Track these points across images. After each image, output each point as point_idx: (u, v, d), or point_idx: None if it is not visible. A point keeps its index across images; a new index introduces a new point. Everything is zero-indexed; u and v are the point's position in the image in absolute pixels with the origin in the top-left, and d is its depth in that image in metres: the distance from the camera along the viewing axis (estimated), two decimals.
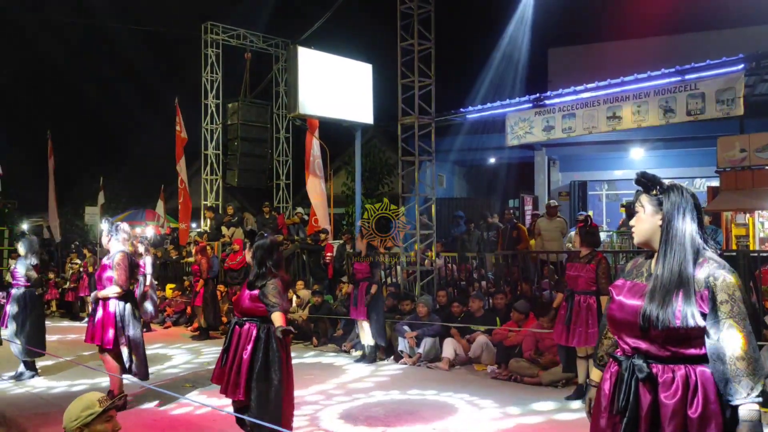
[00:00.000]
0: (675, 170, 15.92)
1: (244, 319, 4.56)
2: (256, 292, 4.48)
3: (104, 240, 6.37)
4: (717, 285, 2.29)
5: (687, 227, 2.40)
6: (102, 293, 6.13)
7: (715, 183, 11.77)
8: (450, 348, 8.31)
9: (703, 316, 2.29)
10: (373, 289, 8.55)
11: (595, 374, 2.77)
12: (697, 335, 2.30)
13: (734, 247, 9.92)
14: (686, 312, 2.29)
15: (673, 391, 2.30)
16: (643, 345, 2.39)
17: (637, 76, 9.71)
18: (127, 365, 6.18)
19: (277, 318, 4.31)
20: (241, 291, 4.69)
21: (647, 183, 2.51)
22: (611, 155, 16.25)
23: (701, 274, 2.34)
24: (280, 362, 4.44)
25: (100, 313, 6.13)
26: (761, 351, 4.58)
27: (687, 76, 9.29)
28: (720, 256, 2.49)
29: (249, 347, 4.44)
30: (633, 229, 2.54)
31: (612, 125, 10.14)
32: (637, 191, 2.55)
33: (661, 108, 9.54)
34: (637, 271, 2.58)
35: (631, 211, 2.68)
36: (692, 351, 2.32)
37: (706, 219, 9.55)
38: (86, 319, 13.63)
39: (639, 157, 15.65)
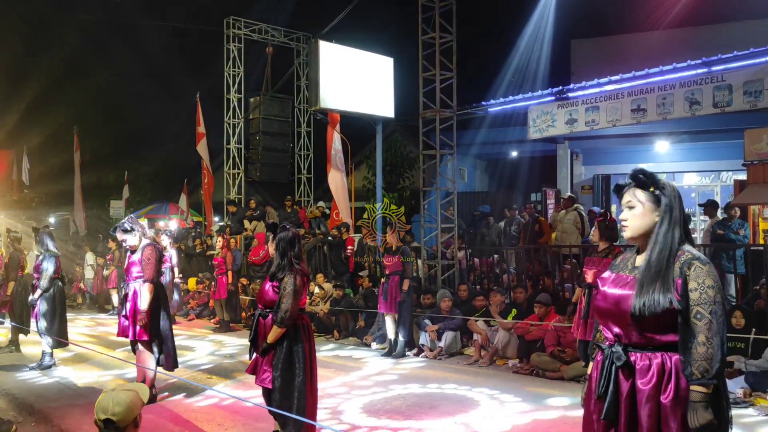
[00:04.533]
0: (701, 163, 15.64)
1: (267, 310, 4.61)
2: (277, 283, 4.52)
3: (129, 241, 6.27)
4: (689, 274, 2.45)
5: (677, 222, 2.56)
6: (143, 306, 6.04)
7: (742, 176, 11.55)
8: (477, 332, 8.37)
9: (677, 303, 2.43)
10: (405, 285, 8.53)
11: (591, 368, 2.87)
12: (672, 323, 2.44)
13: (761, 241, 9.75)
14: (663, 300, 2.43)
15: (649, 377, 2.45)
16: (623, 333, 2.54)
17: (662, 67, 9.57)
18: (156, 356, 6.26)
19: (273, 333, 4.41)
20: (263, 283, 4.74)
21: (646, 180, 2.60)
22: (636, 148, 16.00)
23: (677, 264, 2.49)
24: (304, 353, 4.48)
25: (129, 306, 6.17)
26: None
27: (713, 68, 9.14)
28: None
29: None
30: (625, 224, 2.62)
31: (636, 118, 10.01)
32: (626, 186, 2.64)
33: (686, 100, 9.40)
34: (623, 264, 2.73)
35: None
36: (668, 338, 2.47)
37: (733, 212, 9.40)
38: (112, 312, 13.95)
39: (664, 150, 15.40)
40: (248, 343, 4.79)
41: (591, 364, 2.89)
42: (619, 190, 2.67)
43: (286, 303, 4.38)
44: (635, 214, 2.59)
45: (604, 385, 2.53)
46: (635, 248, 2.72)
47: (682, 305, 2.42)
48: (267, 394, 4.61)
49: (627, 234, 2.63)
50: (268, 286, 4.63)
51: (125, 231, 6.24)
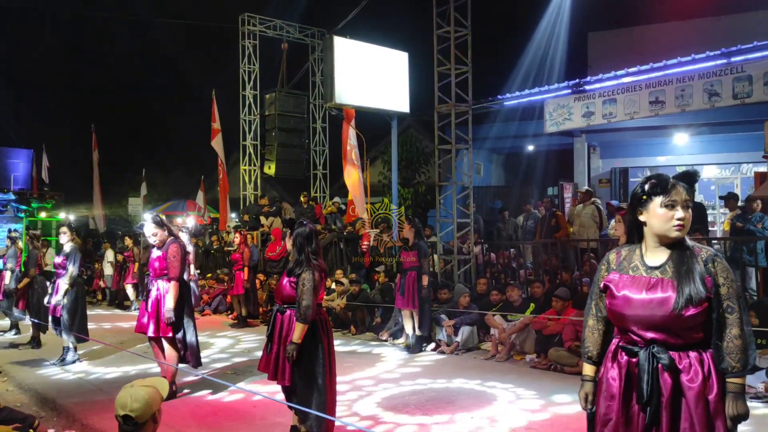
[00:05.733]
0: (721, 155, 15.46)
1: (285, 306, 4.62)
2: (295, 278, 4.54)
3: (152, 237, 6.26)
4: (716, 270, 2.50)
5: None
6: (168, 303, 6.04)
7: (763, 168, 11.42)
8: (494, 326, 8.32)
9: (708, 300, 2.46)
10: (425, 280, 8.50)
11: (588, 369, 2.84)
12: (706, 319, 2.47)
13: None
14: (701, 297, 2.45)
15: (693, 374, 2.46)
16: (658, 335, 2.51)
17: (681, 59, 9.46)
18: (181, 353, 6.30)
19: (298, 331, 4.38)
20: (280, 278, 4.75)
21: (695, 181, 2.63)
22: (654, 141, 15.85)
23: (700, 259, 2.53)
24: (322, 348, 4.50)
25: (152, 303, 6.18)
26: None
27: (733, 59, 9.01)
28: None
29: (292, 333, 4.50)
30: (683, 223, 2.54)
31: (654, 110, 9.91)
32: (679, 185, 2.56)
33: (705, 92, 9.28)
34: (626, 264, 2.68)
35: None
36: (699, 335, 2.49)
37: (754, 204, 9.27)
38: (132, 308, 14.09)
39: (683, 143, 15.23)
40: (264, 339, 4.80)
41: (586, 367, 2.85)
42: (665, 187, 2.56)
43: (306, 300, 4.39)
44: (691, 213, 2.57)
45: (648, 388, 2.49)
46: (633, 246, 2.70)
47: (715, 301, 2.47)
48: (287, 389, 4.63)
49: (682, 233, 2.55)
50: (285, 281, 4.64)
51: (157, 224, 6.25)
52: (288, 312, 4.58)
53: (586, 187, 12.02)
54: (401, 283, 8.67)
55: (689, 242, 2.59)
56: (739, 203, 10.09)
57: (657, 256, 2.60)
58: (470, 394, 6.31)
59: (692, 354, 2.49)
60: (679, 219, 2.52)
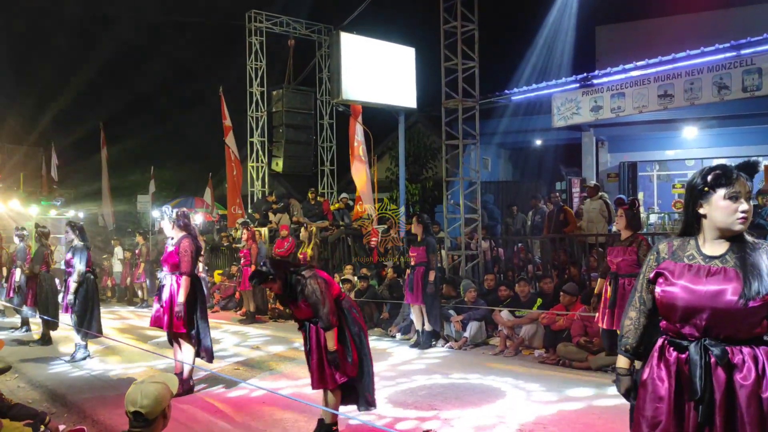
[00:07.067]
0: (730, 149, 15.35)
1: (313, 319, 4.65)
2: (304, 299, 4.53)
3: (167, 230, 6.37)
4: None
5: None
6: (180, 298, 6.09)
7: None
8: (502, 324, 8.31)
9: None
10: (431, 276, 8.49)
11: (623, 361, 2.71)
12: (766, 314, 2.35)
13: None
14: (766, 291, 2.32)
15: (746, 372, 2.32)
16: (714, 327, 2.38)
17: (690, 52, 9.40)
18: (195, 348, 6.32)
19: (330, 339, 4.47)
20: (297, 303, 4.67)
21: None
22: (663, 135, 15.77)
23: (762, 253, 2.41)
24: (361, 332, 4.75)
25: (166, 298, 6.22)
26: None
27: (742, 51, 8.95)
28: None
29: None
30: (746, 215, 2.43)
31: (663, 104, 9.86)
32: (738, 176, 2.46)
33: (715, 85, 9.22)
34: (682, 252, 2.55)
35: None
36: (757, 330, 2.37)
37: (765, 199, 9.21)
38: (141, 304, 14.16)
39: (692, 136, 15.14)
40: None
41: (621, 359, 2.71)
42: (730, 178, 2.46)
43: (323, 308, 4.42)
44: (752, 205, 2.47)
45: (702, 384, 2.35)
46: (686, 237, 2.57)
47: None
48: (346, 386, 4.72)
49: (745, 226, 2.44)
50: (299, 303, 4.60)
51: (169, 220, 6.31)
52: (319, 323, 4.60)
53: (594, 182, 11.98)
54: (410, 279, 8.67)
55: (746, 235, 2.48)
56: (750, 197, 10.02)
57: (715, 248, 2.48)
58: (479, 390, 6.31)
59: (745, 350, 2.35)
60: (743, 211, 2.41)
